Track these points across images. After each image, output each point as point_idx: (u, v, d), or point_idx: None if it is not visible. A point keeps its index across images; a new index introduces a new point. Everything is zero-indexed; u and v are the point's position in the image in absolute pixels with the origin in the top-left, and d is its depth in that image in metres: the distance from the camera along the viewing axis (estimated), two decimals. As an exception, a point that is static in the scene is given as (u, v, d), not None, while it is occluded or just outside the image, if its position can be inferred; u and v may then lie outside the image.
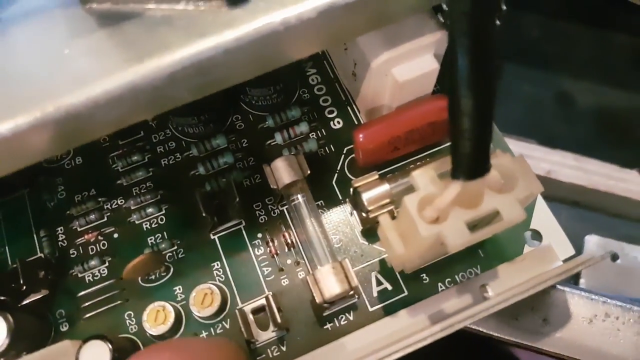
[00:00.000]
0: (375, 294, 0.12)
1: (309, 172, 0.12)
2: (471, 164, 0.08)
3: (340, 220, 0.13)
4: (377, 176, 0.12)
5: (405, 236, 0.11)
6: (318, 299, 0.11)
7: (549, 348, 0.13)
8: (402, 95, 0.13)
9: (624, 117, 0.22)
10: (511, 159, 0.10)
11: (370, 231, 0.13)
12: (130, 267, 0.11)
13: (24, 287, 0.12)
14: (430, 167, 0.10)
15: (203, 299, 0.12)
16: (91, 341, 0.11)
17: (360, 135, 0.12)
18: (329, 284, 0.11)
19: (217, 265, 0.13)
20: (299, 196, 0.13)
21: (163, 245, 0.13)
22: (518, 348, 0.14)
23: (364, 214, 0.12)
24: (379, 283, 0.13)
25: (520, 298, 0.11)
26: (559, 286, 0.13)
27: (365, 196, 0.12)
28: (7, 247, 0.13)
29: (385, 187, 0.12)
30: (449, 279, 0.13)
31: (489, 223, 0.10)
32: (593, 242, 0.18)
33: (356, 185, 0.12)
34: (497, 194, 0.09)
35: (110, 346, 0.11)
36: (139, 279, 0.12)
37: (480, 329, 0.13)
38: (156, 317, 0.12)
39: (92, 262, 0.13)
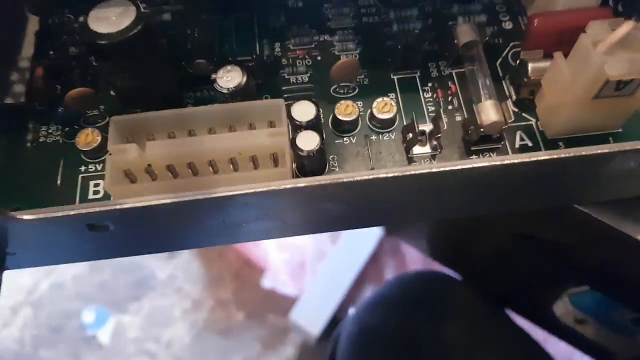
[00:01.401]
0: (517, 146, 0.15)
1: (486, 38, 0.15)
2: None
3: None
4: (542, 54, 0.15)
5: (570, 85, 0.13)
6: (479, 121, 0.14)
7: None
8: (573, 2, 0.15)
9: None
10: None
11: (524, 102, 0.15)
12: (338, 65, 0.15)
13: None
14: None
15: (383, 106, 0.15)
16: (301, 101, 0.14)
17: (536, 20, 0.15)
18: (489, 113, 0.14)
19: (392, 96, 0.16)
20: (475, 57, 0.15)
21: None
22: None
23: (525, 79, 0.15)
24: (521, 139, 0.15)
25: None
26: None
27: (531, 65, 0.15)
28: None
29: (548, 62, 0.15)
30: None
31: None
32: None
33: (523, 56, 0.15)
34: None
35: (316, 105, 0.14)
36: (339, 83, 0.16)
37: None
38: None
39: (300, 69, 0.16)
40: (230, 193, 0.12)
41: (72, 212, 0.12)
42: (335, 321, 0.75)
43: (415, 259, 0.78)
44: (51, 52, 0.16)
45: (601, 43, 0.12)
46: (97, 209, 0.12)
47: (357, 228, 0.15)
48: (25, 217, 0.12)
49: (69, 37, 0.16)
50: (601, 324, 0.30)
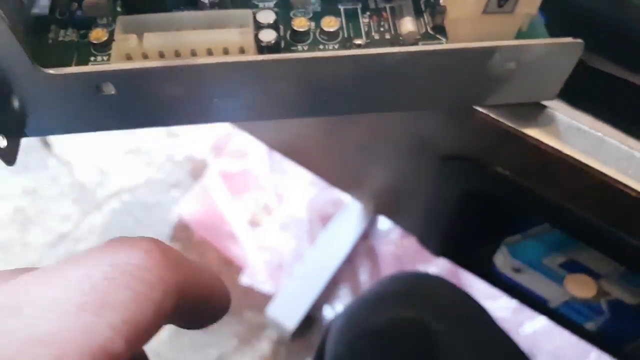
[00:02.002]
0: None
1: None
2: None
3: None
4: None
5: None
6: (399, 32, 0.18)
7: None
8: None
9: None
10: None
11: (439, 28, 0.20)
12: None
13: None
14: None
15: (329, 22, 0.19)
16: (265, 10, 0.18)
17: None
18: (407, 25, 0.18)
19: (338, 20, 0.20)
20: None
21: None
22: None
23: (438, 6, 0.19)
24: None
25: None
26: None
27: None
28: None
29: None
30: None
31: None
32: None
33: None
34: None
35: (276, 14, 0.18)
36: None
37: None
38: None
39: (267, -2, 0.21)
40: (203, 62, 0.16)
41: (85, 70, 0.16)
42: (309, 318, 0.77)
43: (388, 260, 0.81)
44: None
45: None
46: (103, 69, 0.16)
47: (307, 116, 0.19)
48: (51, 71, 0.16)
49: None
50: (535, 271, 0.34)
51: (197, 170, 0.90)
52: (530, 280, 0.34)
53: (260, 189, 0.86)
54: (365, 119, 0.27)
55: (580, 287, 0.32)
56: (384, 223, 0.81)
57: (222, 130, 0.91)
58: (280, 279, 0.78)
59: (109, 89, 0.17)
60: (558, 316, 0.34)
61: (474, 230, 0.32)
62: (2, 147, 0.17)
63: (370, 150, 0.30)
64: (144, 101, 0.18)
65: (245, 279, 0.77)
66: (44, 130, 0.18)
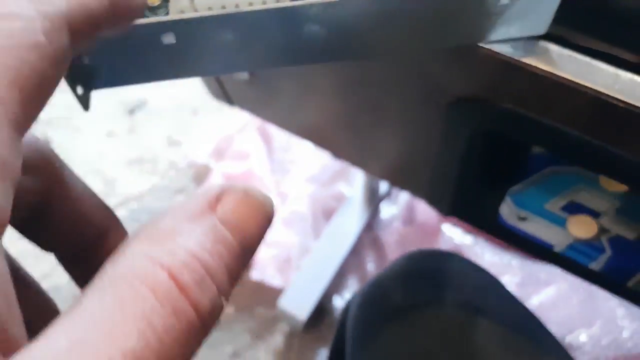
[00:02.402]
0: None
1: None
2: None
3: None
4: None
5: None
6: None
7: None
8: None
9: None
10: None
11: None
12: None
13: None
14: None
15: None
16: None
17: None
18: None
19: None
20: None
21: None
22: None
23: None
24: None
25: None
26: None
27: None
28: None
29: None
30: None
31: None
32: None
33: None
34: None
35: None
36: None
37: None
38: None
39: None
40: (248, 9, 0.19)
41: (152, 21, 0.19)
42: (320, 309, 0.79)
43: (393, 249, 0.84)
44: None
45: None
46: (167, 19, 0.19)
47: (324, 60, 0.22)
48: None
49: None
50: (539, 217, 0.36)
51: (200, 175, 0.92)
52: (536, 227, 0.36)
53: (264, 189, 0.88)
54: (376, 75, 0.29)
55: (582, 228, 0.34)
56: (386, 212, 0.84)
57: (222, 134, 0.93)
58: (289, 273, 0.80)
59: (170, 39, 0.19)
60: (564, 260, 0.37)
61: (481, 180, 0.34)
62: (79, 94, 0.19)
63: (380, 110, 0.33)
64: (198, 49, 0.20)
65: (255, 274, 0.79)
66: (112, 82, 0.21)
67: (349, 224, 0.82)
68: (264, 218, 0.12)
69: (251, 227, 0.11)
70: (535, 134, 0.26)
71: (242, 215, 0.11)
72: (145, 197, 0.90)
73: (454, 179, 0.35)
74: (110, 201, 0.89)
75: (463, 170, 0.33)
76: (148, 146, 0.95)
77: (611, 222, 0.33)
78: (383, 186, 0.84)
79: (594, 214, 0.34)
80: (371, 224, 0.84)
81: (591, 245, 0.35)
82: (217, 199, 0.11)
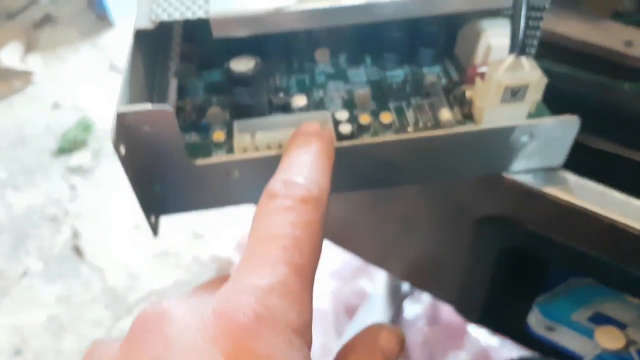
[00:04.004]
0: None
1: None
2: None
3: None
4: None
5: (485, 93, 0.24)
6: (439, 119, 0.25)
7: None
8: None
9: None
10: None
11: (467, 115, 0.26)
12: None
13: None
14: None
15: (384, 116, 0.26)
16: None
17: (469, 70, 0.27)
18: (444, 114, 0.25)
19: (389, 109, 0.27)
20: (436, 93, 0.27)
21: None
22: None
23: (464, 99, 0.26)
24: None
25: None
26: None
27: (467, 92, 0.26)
28: None
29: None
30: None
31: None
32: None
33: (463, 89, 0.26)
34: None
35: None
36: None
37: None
38: None
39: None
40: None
41: (223, 160, 0.22)
42: None
43: (418, 349, 0.82)
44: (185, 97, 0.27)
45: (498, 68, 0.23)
46: (235, 158, 0.22)
47: (376, 187, 0.25)
48: (198, 162, 0.22)
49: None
50: (566, 327, 0.37)
51: (223, 269, 0.93)
52: (564, 338, 0.37)
53: (285, 285, 0.89)
54: (408, 191, 0.32)
55: (610, 339, 0.35)
56: (410, 311, 0.83)
57: (245, 228, 0.96)
58: None
59: (236, 174, 0.23)
60: (594, 370, 0.37)
61: (508, 291, 0.36)
62: (152, 222, 0.22)
63: (410, 221, 0.35)
64: (256, 182, 0.23)
65: None
66: (179, 208, 0.24)
67: (372, 322, 0.81)
68: None
69: None
70: (558, 253, 0.28)
71: None
72: (169, 291, 0.91)
73: (482, 289, 0.37)
74: (133, 296, 0.91)
75: (491, 281, 0.35)
76: (172, 240, 0.98)
77: (637, 334, 0.34)
78: (406, 283, 0.84)
79: (620, 325, 0.35)
80: (395, 322, 0.83)
81: (620, 357, 0.36)
82: None
